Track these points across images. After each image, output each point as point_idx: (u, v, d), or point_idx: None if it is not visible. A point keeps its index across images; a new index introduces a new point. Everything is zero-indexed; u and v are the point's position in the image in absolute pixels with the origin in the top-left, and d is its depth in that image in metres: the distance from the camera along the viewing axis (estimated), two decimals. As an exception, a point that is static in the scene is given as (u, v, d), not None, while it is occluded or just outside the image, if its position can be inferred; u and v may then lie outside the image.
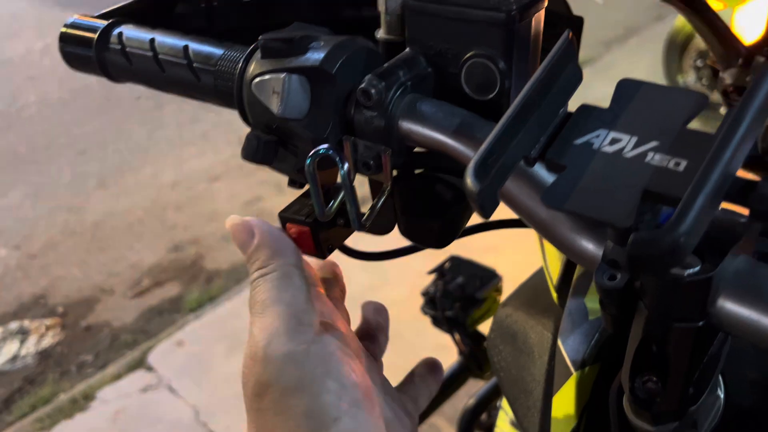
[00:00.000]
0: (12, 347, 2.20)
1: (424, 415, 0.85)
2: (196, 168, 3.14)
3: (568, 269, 0.47)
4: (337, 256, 0.43)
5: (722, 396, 0.35)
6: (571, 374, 0.40)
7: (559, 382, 0.41)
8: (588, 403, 0.41)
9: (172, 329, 2.14)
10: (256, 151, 0.35)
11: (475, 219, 0.46)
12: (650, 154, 0.25)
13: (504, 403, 0.71)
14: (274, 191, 2.91)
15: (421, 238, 0.38)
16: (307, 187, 0.42)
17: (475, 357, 0.84)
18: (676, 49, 2.79)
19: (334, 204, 0.35)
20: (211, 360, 1.96)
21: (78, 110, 3.76)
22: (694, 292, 0.26)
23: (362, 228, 0.35)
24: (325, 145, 0.33)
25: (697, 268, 0.26)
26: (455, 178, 0.37)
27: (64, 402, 1.91)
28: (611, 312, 0.30)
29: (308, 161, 0.33)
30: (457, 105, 0.33)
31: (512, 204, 0.30)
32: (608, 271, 0.28)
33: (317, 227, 0.38)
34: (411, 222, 0.37)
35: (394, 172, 0.36)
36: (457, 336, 0.83)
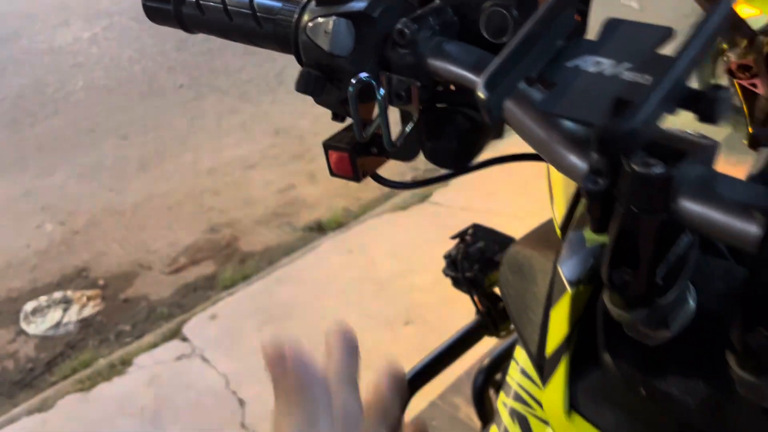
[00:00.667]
0: (55, 315, 2.33)
1: (443, 364, 0.92)
2: (233, 156, 3.25)
3: (571, 210, 0.54)
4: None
5: (693, 305, 0.42)
6: (566, 291, 0.47)
7: (556, 299, 0.48)
8: (581, 318, 0.47)
9: (207, 304, 2.24)
10: (307, 84, 0.43)
11: (489, 154, 0.53)
12: (624, 73, 0.32)
13: (516, 353, 0.77)
14: (306, 180, 3.00)
15: (442, 161, 0.44)
16: (347, 122, 0.49)
17: (492, 316, 0.90)
18: (709, 54, 2.80)
19: (371, 128, 0.42)
20: (242, 333, 2.05)
21: (122, 97, 3.91)
22: (658, 188, 0.33)
23: (393, 147, 0.42)
24: (366, 74, 0.40)
25: (661, 169, 0.33)
26: (472, 111, 0.43)
27: (103, 366, 2.02)
28: (596, 214, 0.37)
29: (351, 88, 0.40)
30: (476, 47, 0.40)
31: (515, 123, 0.37)
32: (593, 177, 0.35)
33: (354, 153, 0.45)
34: (433, 146, 0.44)
35: (421, 107, 0.43)
36: (476, 296, 0.90)
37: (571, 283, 0.47)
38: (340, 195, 2.84)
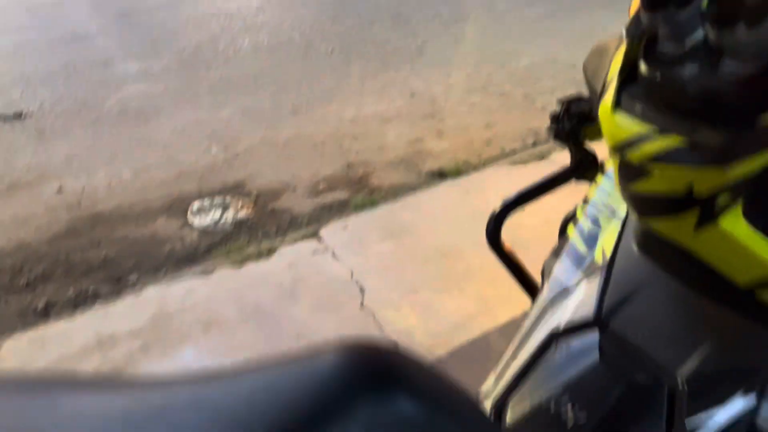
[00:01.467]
0: (216, 214, 2.78)
1: (533, 196, 1.18)
2: (372, 111, 3.62)
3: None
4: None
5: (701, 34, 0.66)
6: (623, 42, 0.72)
7: (617, 51, 0.73)
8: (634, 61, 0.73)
9: (340, 218, 2.60)
10: None
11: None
12: None
13: (597, 179, 1.03)
14: (434, 136, 3.30)
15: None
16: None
17: (582, 165, 1.14)
18: None
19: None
20: (368, 241, 2.39)
21: (281, 56, 4.41)
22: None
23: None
24: None
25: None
26: None
27: (252, 252, 2.43)
28: None
29: None
30: None
31: None
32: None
33: None
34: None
35: None
36: (571, 146, 1.14)
37: (627, 36, 0.73)
38: (464, 150, 3.12)
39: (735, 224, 0.64)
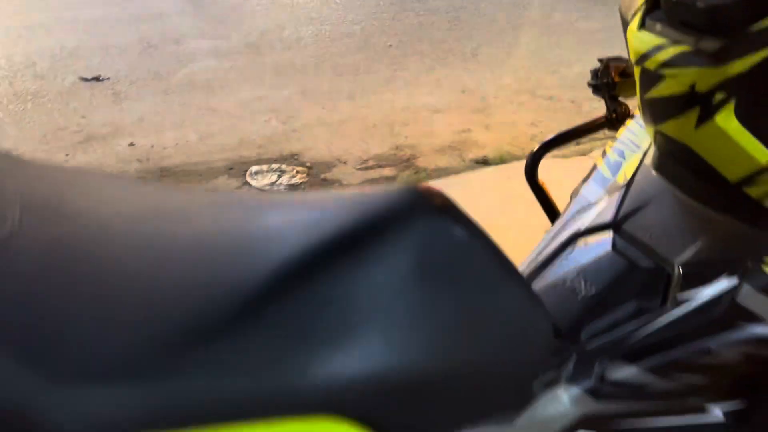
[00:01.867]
0: (272, 178, 3.00)
1: (567, 139, 1.35)
2: (423, 102, 3.81)
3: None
4: None
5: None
6: None
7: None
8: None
9: (386, 189, 2.78)
10: None
11: None
12: None
13: (627, 122, 1.20)
14: (481, 128, 3.47)
15: None
16: None
17: (615, 116, 1.30)
18: None
19: None
20: (411, 209, 2.57)
21: (342, 47, 4.65)
22: None
23: None
24: None
25: None
26: None
27: (303, 211, 2.63)
28: None
29: None
30: None
31: None
32: None
33: None
34: None
35: None
36: (607, 99, 1.30)
37: None
38: (509, 143, 3.28)
39: (727, 121, 0.80)
